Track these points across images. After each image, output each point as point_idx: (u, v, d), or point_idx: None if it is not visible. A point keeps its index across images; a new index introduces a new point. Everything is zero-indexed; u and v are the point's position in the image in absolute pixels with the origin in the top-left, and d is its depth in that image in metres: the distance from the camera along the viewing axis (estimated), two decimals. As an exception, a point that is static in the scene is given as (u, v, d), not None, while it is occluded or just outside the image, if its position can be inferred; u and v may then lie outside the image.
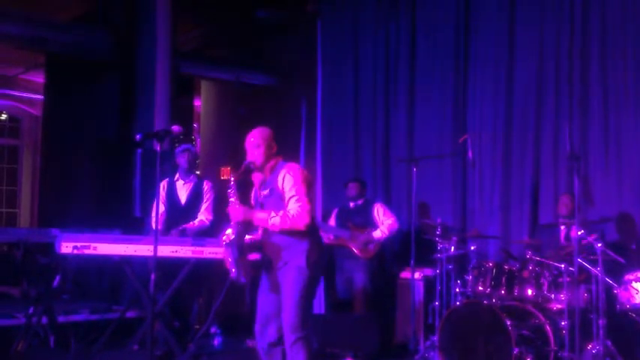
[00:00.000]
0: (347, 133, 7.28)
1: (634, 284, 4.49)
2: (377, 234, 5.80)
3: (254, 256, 3.84)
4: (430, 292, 5.52)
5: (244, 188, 3.89)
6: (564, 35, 5.87)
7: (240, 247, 3.63)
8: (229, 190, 3.72)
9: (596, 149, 5.62)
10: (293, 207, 3.64)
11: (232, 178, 3.74)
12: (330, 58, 7.55)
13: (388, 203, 6.41)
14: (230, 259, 3.64)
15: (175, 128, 4.35)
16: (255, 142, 3.81)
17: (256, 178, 3.88)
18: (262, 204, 3.80)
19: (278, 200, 3.71)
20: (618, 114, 5.54)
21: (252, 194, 3.94)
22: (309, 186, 3.79)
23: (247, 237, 3.75)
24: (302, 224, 3.62)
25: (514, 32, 6.19)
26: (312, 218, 3.68)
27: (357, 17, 7.36)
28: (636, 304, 4.46)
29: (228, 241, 3.66)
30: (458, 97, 6.54)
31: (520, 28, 6.16)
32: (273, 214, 3.66)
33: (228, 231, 3.70)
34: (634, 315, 4.53)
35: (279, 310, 3.67)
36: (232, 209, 3.69)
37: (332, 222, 6.10)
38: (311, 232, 3.70)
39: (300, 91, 7.88)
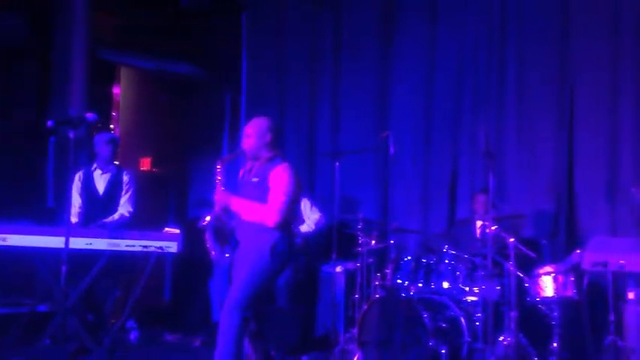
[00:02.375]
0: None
1: (543, 278, 4.68)
2: (303, 228, 5.81)
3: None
4: (351, 285, 5.57)
5: (229, 174, 3.98)
6: (483, 36, 6.06)
7: (216, 230, 3.83)
8: (218, 175, 3.84)
9: (511, 147, 5.83)
10: (269, 203, 3.75)
11: (220, 164, 3.86)
12: (255, 51, 7.49)
13: (312, 198, 6.44)
14: (209, 242, 3.83)
15: (89, 116, 4.22)
16: (247, 131, 3.93)
17: (245, 165, 3.99)
18: (246, 190, 3.89)
19: (262, 191, 3.80)
20: (532, 114, 5.77)
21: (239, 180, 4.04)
22: (297, 190, 3.88)
23: (224, 220, 3.89)
24: (270, 221, 3.74)
25: (436, 32, 6.34)
26: (287, 218, 3.79)
27: (281, 11, 7.33)
28: (544, 297, 4.65)
29: (205, 224, 3.87)
30: (381, 93, 6.64)
31: (442, 29, 6.31)
32: (250, 203, 3.78)
33: (208, 217, 3.89)
34: (543, 307, 4.72)
35: None
36: (217, 194, 3.81)
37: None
38: (284, 228, 3.80)
39: (224, 83, 7.77)
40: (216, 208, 3.85)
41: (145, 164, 7.51)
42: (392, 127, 6.35)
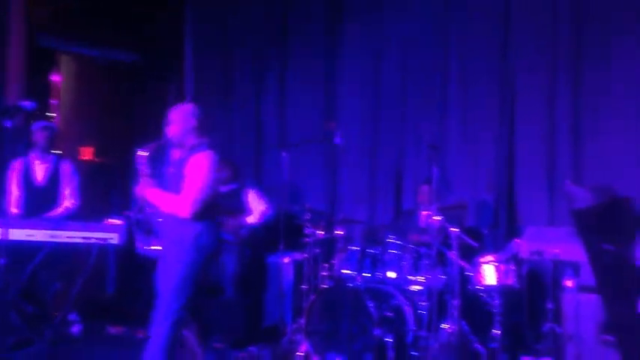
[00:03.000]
0: (217, 118, 7.18)
1: (484, 267, 4.81)
2: (250, 219, 5.79)
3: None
4: (299, 275, 5.60)
5: (156, 164, 3.87)
6: (428, 30, 6.15)
7: (140, 223, 3.84)
8: (140, 165, 3.71)
9: (455, 140, 5.96)
10: (183, 192, 3.64)
11: (145, 153, 3.71)
12: (200, 40, 7.38)
13: (260, 188, 6.41)
14: (134, 235, 3.85)
15: (27, 104, 4.10)
16: (170, 118, 3.80)
17: (174, 154, 3.86)
18: (167, 180, 3.77)
19: (179, 181, 3.68)
20: (475, 108, 5.90)
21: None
22: (215, 178, 3.75)
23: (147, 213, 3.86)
24: (184, 212, 3.62)
25: (382, 23, 6.40)
26: (207, 208, 3.66)
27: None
28: (486, 285, 4.79)
29: (131, 216, 3.81)
30: (329, 84, 6.67)
31: (388, 20, 6.37)
32: (165, 194, 3.68)
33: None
34: (484, 295, 4.85)
35: None
36: (137, 185, 3.72)
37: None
38: (206, 217, 3.69)
39: (167, 72, 7.64)
40: (138, 201, 3.76)
41: (87, 154, 7.33)
42: (339, 118, 6.41)
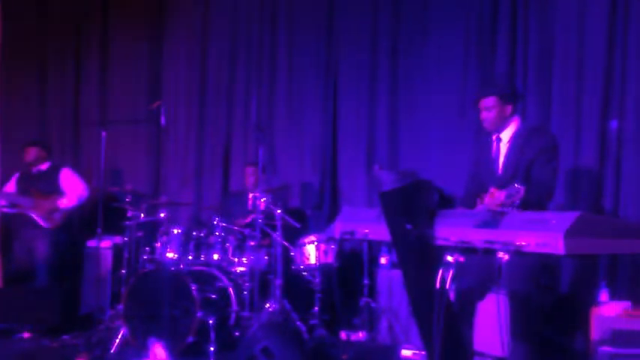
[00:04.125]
0: (31, 93, 6.69)
1: (307, 247, 4.95)
2: (64, 202, 5.44)
3: None
4: (119, 260, 5.40)
5: None
6: (255, 11, 6.14)
7: None
8: None
9: (281, 122, 6.04)
10: None
11: None
12: (11, 12, 6.77)
13: (78, 169, 6.08)
14: None
15: None
16: None
17: None
18: None
19: None
20: (301, 90, 6.01)
21: None
22: None
23: None
24: None
25: (209, 2, 6.31)
26: None
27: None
28: (308, 264, 4.93)
29: None
30: (153, 62, 6.47)
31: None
32: None
33: None
34: (306, 274, 4.99)
35: None
36: None
37: (10, 187, 5.57)
38: None
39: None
40: None
41: None
42: (164, 97, 6.24)
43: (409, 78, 5.63)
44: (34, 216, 5.36)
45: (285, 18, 6.06)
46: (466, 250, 2.88)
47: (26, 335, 4.84)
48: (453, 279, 2.86)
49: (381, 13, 5.69)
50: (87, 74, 6.61)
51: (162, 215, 5.12)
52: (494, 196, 3.12)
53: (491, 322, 3.60)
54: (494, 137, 3.62)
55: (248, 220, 5.35)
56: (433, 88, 5.43)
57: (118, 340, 4.49)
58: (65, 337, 4.75)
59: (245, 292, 4.76)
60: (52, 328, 4.87)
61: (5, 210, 5.50)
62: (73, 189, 5.50)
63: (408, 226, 3.07)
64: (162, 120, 5.49)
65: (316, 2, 5.93)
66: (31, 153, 5.56)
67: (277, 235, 4.89)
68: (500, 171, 3.54)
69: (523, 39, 4.94)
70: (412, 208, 3.12)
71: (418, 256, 3.12)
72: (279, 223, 4.90)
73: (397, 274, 4.79)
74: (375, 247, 5.19)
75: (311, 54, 5.95)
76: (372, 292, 4.90)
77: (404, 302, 4.76)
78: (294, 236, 5.15)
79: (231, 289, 4.75)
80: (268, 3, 6.10)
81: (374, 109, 5.73)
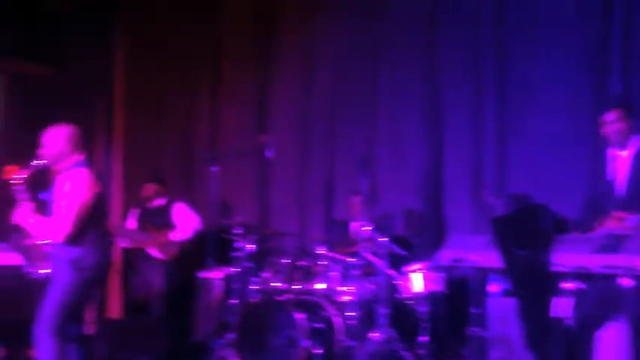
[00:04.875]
0: (148, 131, 7.09)
1: (412, 275, 4.88)
2: (178, 235, 5.70)
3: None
4: (229, 290, 5.54)
5: (36, 188, 3.69)
6: (357, 42, 6.23)
7: (24, 248, 3.63)
8: (17, 190, 3.55)
9: (384, 151, 6.03)
10: (54, 216, 3.54)
11: (21, 177, 3.55)
12: (129, 53, 7.28)
13: (191, 203, 6.35)
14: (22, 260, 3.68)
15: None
16: (43, 140, 3.67)
17: (53, 176, 3.73)
18: (48, 206, 3.64)
19: (57, 205, 3.57)
20: (403, 118, 5.99)
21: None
22: (91, 197, 3.60)
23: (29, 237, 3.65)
24: (58, 236, 3.53)
25: (314, 34, 6.47)
26: (83, 229, 3.55)
27: (156, 14, 7.19)
28: (414, 293, 4.85)
29: (16, 243, 3.69)
30: (261, 96, 6.69)
31: (319, 30, 6.44)
32: (39, 220, 3.56)
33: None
34: (412, 303, 4.91)
35: None
36: (14, 212, 3.57)
37: (131, 223, 5.90)
38: (86, 240, 3.59)
39: (96, 87, 7.47)
40: (17, 227, 3.64)
41: (10, 172, 7.05)
42: (271, 130, 6.42)
43: (517, 100, 5.49)
44: (150, 250, 5.64)
45: (386, 47, 6.08)
46: (583, 276, 2.75)
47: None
48: (573, 307, 2.73)
49: (483, 35, 5.61)
50: (199, 112, 6.93)
51: (269, 246, 5.22)
52: (620, 221, 2.96)
53: (612, 352, 3.38)
54: (611, 156, 3.46)
55: (353, 249, 5.35)
56: (542, 109, 5.25)
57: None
58: (180, 365, 4.93)
59: (351, 322, 4.75)
60: (167, 357, 5.05)
61: (124, 245, 5.81)
62: (186, 222, 5.75)
63: (522, 253, 2.97)
64: (269, 152, 5.64)
65: (416, 33, 5.93)
66: (149, 189, 5.88)
67: (382, 264, 4.85)
68: (622, 191, 3.35)
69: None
70: (526, 233, 3.02)
71: (533, 284, 3.01)
72: (383, 252, 4.87)
73: (508, 302, 4.61)
74: (483, 275, 5.03)
75: (414, 80, 5.93)
76: (481, 322, 4.74)
77: (517, 332, 4.58)
78: (399, 264, 5.09)
79: (336, 319, 4.75)
80: (370, 32, 6.15)
81: (480, 132, 5.61)
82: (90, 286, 3.69)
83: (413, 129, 5.92)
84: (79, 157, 3.71)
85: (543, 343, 2.84)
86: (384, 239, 4.87)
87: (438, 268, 4.77)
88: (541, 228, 3.04)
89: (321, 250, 5.05)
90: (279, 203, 6.44)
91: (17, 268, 4.40)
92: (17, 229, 3.64)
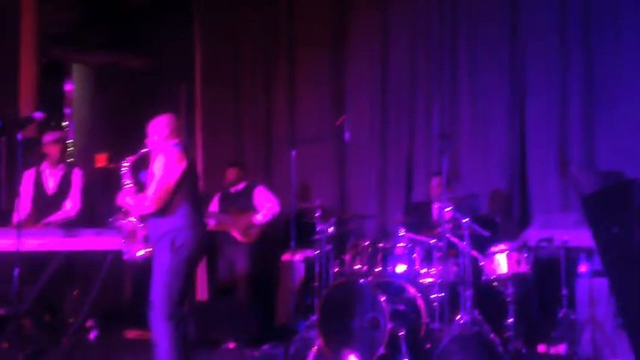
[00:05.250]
0: (227, 116, 7.22)
1: (497, 256, 4.74)
2: (258, 218, 5.79)
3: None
4: (310, 273, 5.59)
5: (140, 174, 4.00)
6: (434, 20, 6.10)
7: (128, 231, 3.83)
8: (123, 176, 3.83)
9: (465, 129, 5.90)
10: (148, 193, 3.73)
11: (127, 163, 3.83)
12: (209, 42, 7.41)
13: (270, 187, 6.44)
14: (122, 242, 3.85)
15: (37, 115, 4.17)
16: (148, 131, 3.91)
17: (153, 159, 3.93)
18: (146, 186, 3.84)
19: (150, 181, 3.78)
20: (484, 96, 5.84)
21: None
22: (183, 170, 3.75)
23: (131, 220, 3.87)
24: (148, 208, 3.71)
25: (387, 13, 6.37)
26: (176, 204, 3.71)
27: (234, 2, 7.28)
28: (499, 274, 4.71)
29: (116, 225, 3.89)
30: (336, 79, 6.66)
31: (393, 14, 6.34)
32: (135, 198, 3.79)
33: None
34: (497, 285, 4.79)
35: None
36: (119, 195, 3.83)
37: (214, 207, 6.04)
38: (181, 218, 3.72)
39: (178, 75, 7.69)
40: (122, 209, 3.87)
41: (101, 161, 7.41)
42: (348, 113, 6.38)
43: (603, 74, 5.27)
44: (233, 233, 5.76)
45: (466, 21, 5.94)
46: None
47: (231, 345, 5.18)
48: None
49: (569, 8, 5.38)
50: (276, 96, 6.99)
51: (350, 228, 5.22)
52: None
53: None
54: None
55: (435, 230, 5.27)
56: (630, 82, 5.01)
57: (314, 351, 4.62)
58: (265, 347, 5.01)
59: (434, 304, 4.68)
60: (252, 338, 5.16)
61: (210, 226, 5.96)
62: (266, 205, 5.83)
63: (615, 231, 2.84)
64: (347, 135, 5.62)
65: (499, 4, 5.74)
66: (231, 174, 6.00)
67: (465, 245, 4.76)
68: None
69: None
70: (619, 210, 2.88)
71: (627, 263, 2.87)
72: (466, 233, 4.77)
73: (599, 282, 4.44)
74: (572, 255, 4.85)
75: (494, 56, 5.77)
76: (571, 303, 4.58)
77: (609, 313, 4.41)
78: (484, 245, 4.97)
79: (420, 301, 4.70)
80: (448, 17, 6.00)
81: (565, 108, 5.42)
82: (192, 266, 3.83)
83: (494, 104, 5.76)
84: (174, 140, 3.90)
85: (638, 325, 2.69)
86: (466, 220, 4.76)
87: (524, 249, 4.63)
88: (635, 205, 2.88)
89: (402, 232, 5.00)
90: (359, 185, 6.42)
91: (108, 252, 4.64)
92: (121, 211, 3.86)
